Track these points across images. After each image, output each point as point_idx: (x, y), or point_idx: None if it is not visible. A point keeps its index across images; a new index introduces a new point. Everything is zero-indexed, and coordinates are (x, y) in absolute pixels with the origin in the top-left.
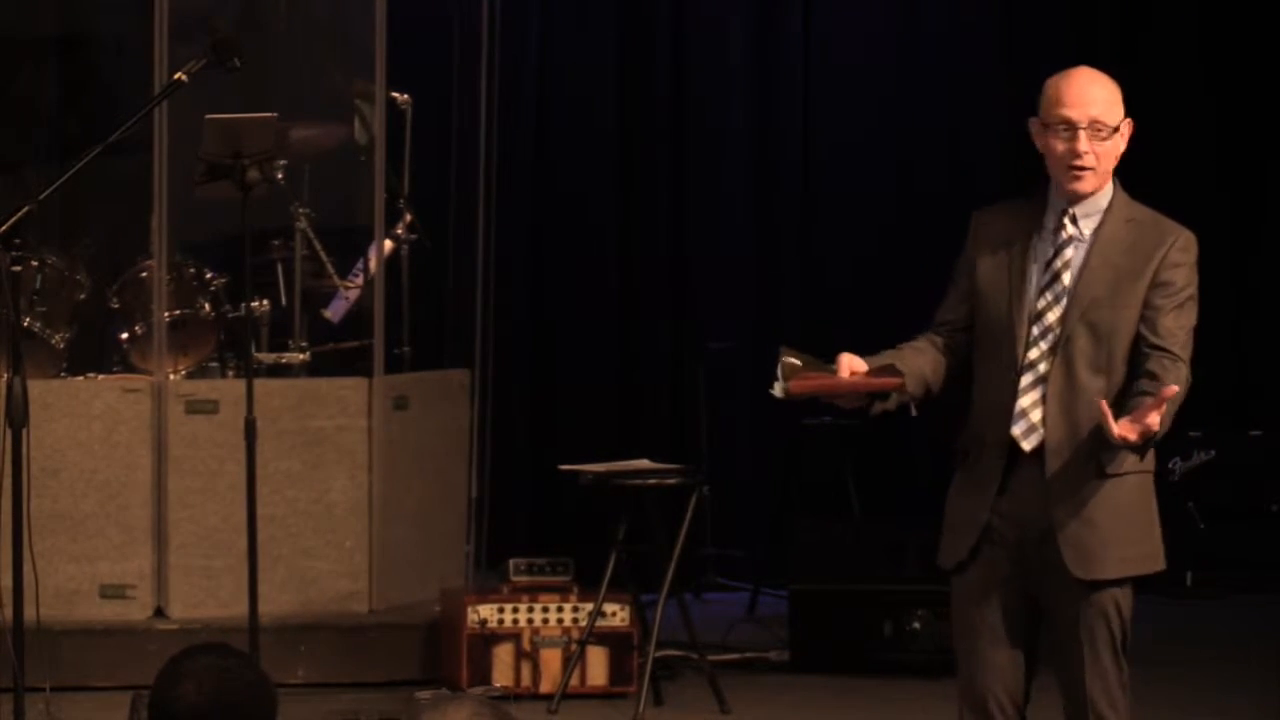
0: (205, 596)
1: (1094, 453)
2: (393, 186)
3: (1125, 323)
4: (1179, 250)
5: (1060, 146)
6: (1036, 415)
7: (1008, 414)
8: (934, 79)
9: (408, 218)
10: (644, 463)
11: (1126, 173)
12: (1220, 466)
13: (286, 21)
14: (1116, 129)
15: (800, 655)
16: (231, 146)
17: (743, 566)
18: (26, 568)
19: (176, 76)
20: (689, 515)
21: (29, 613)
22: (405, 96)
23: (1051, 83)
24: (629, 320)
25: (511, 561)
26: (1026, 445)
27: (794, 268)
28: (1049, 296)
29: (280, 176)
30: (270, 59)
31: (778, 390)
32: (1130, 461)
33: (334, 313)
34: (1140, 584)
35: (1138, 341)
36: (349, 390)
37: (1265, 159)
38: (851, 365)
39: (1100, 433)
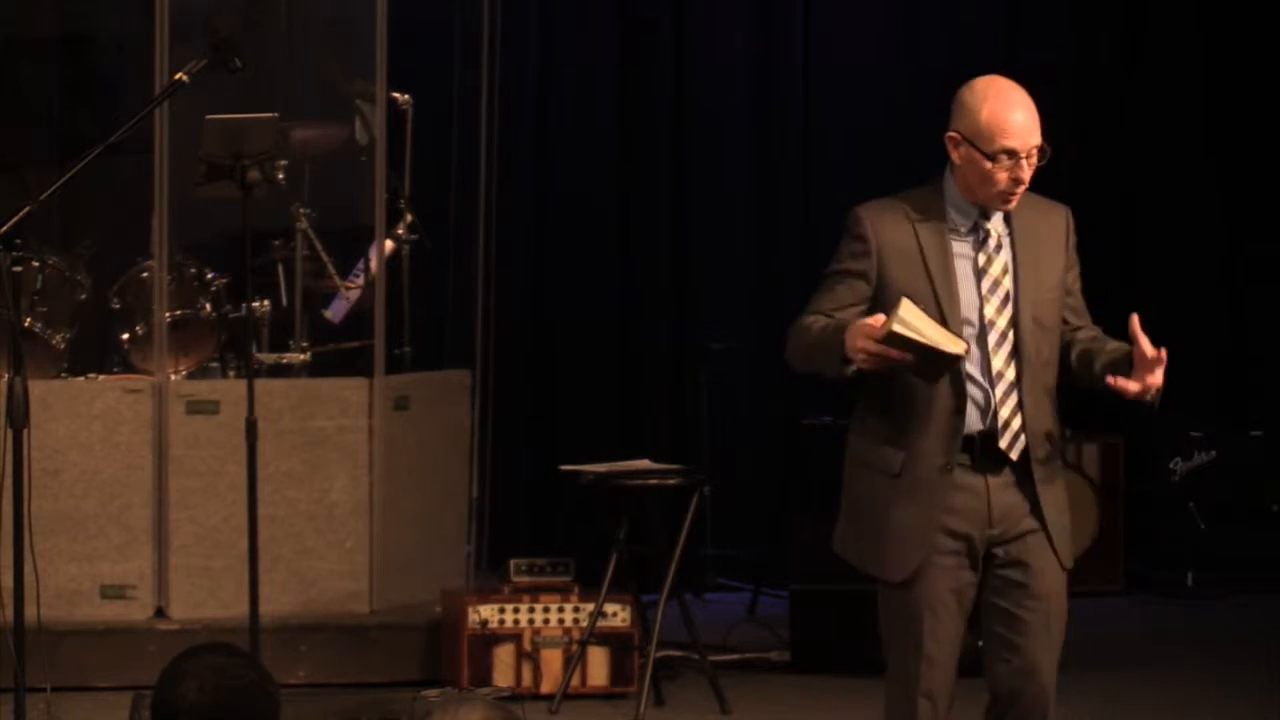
0: (206, 597)
1: (1053, 450)
2: (393, 187)
3: (1058, 314)
4: (1073, 228)
5: (1001, 175)
6: (1017, 423)
7: (956, 425)
8: (934, 79)
9: (408, 218)
10: (645, 463)
11: (1129, 173)
12: (1221, 466)
13: (287, 22)
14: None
15: (801, 656)
16: (232, 147)
17: (743, 567)
18: (27, 568)
19: (177, 77)
20: (690, 515)
21: (30, 613)
22: (406, 97)
23: (985, 108)
24: (629, 320)
25: (512, 562)
26: (1014, 454)
27: (794, 268)
28: (994, 302)
29: (281, 177)
30: (270, 59)
31: (895, 325)
32: (1060, 455)
33: (335, 313)
34: (1141, 584)
35: (1062, 325)
36: (350, 391)
37: (1268, 158)
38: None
39: (1055, 430)
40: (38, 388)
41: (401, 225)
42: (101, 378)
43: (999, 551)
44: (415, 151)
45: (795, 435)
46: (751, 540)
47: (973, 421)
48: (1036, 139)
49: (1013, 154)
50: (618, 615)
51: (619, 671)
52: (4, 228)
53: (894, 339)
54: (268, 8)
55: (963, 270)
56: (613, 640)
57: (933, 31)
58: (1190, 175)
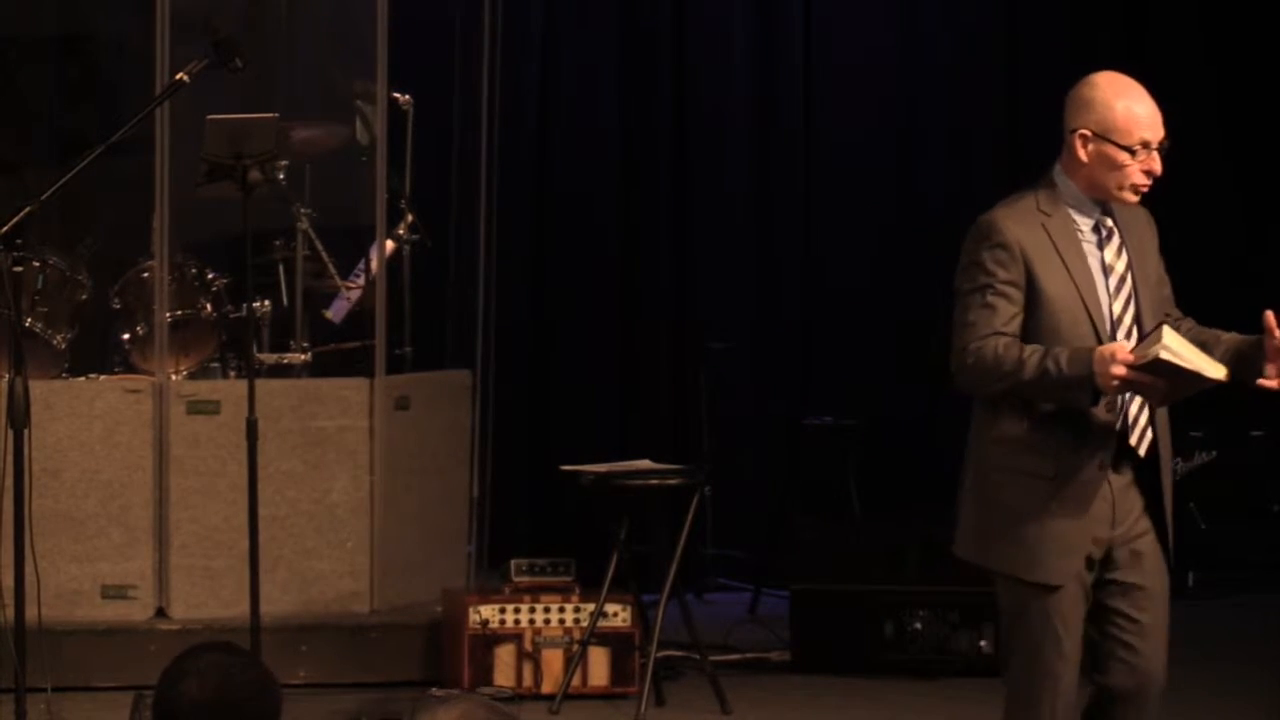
0: (207, 597)
1: (1168, 450)
2: (394, 187)
3: (1163, 308)
4: (1155, 225)
5: (1134, 166)
6: (1144, 419)
7: (1109, 424)
8: (934, 79)
9: (409, 218)
10: (645, 463)
11: None
12: (1221, 466)
13: (287, 22)
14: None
15: (801, 655)
16: (233, 147)
17: (744, 567)
18: (28, 568)
19: (178, 77)
20: (690, 515)
21: (30, 613)
22: (406, 97)
23: (1120, 103)
24: (629, 320)
25: (513, 562)
26: (1143, 451)
27: (794, 268)
28: (1120, 300)
29: (281, 177)
30: (271, 59)
31: (1184, 362)
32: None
33: (335, 313)
34: None
35: (1164, 317)
36: (350, 390)
37: (1272, 157)
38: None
39: (1169, 429)
40: (38, 388)
41: (401, 225)
42: (102, 378)
43: (1118, 554)
44: (415, 151)
45: (795, 435)
46: (751, 540)
47: (1104, 421)
48: (1162, 130)
49: (1148, 146)
50: (618, 615)
51: (619, 671)
52: (4, 228)
53: (1159, 366)
54: (268, 8)
55: (1093, 268)
56: (613, 640)
57: (933, 31)
58: (1192, 175)
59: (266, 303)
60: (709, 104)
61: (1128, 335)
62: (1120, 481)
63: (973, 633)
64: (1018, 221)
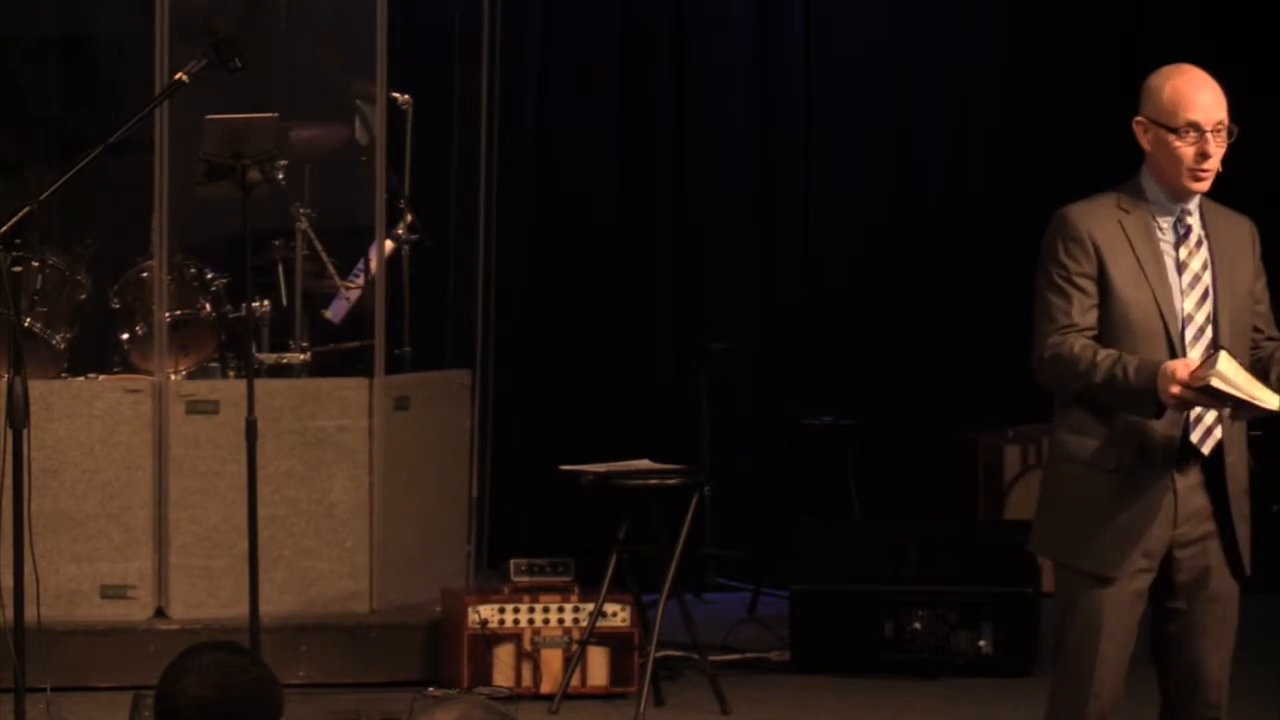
0: (206, 597)
1: (1241, 455)
2: (393, 187)
3: (1248, 316)
4: (1258, 238)
5: (1188, 150)
6: (1210, 418)
7: (1173, 420)
8: (934, 78)
9: (408, 218)
10: (645, 463)
11: (1130, 173)
12: None
13: (287, 21)
14: (1234, 131)
15: (801, 655)
16: (232, 147)
17: (743, 567)
18: (27, 568)
19: (177, 77)
20: (690, 515)
21: (30, 613)
22: (406, 97)
23: (1168, 85)
24: (629, 320)
25: (512, 562)
26: (1206, 449)
27: (794, 267)
28: (1194, 298)
29: (281, 177)
30: (270, 59)
31: (1242, 394)
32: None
33: (335, 313)
34: None
35: (1254, 333)
36: (350, 391)
37: (1270, 160)
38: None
39: (1240, 432)
40: (38, 388)
41: (402, 225)
42: (101, 378)
43: (1179, 554)
44: (415, 151)
45: (795, 435)
46: (751, 540)
47: (1171, 418)
48: (1221, 115)
49: (1197, 128)
50: (618, 615)
51: (619, 671)
52: (4, 228)
53: (1210, 391)
54: (268, 8)
55: (1168, 265)
56: (613, 640)
57: (933, 30)
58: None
59: (266, 303)
60: (709, 104)
61: (1199, 334)
62: (1185, 481)
63: (972, 633)
64: (1092, 215)
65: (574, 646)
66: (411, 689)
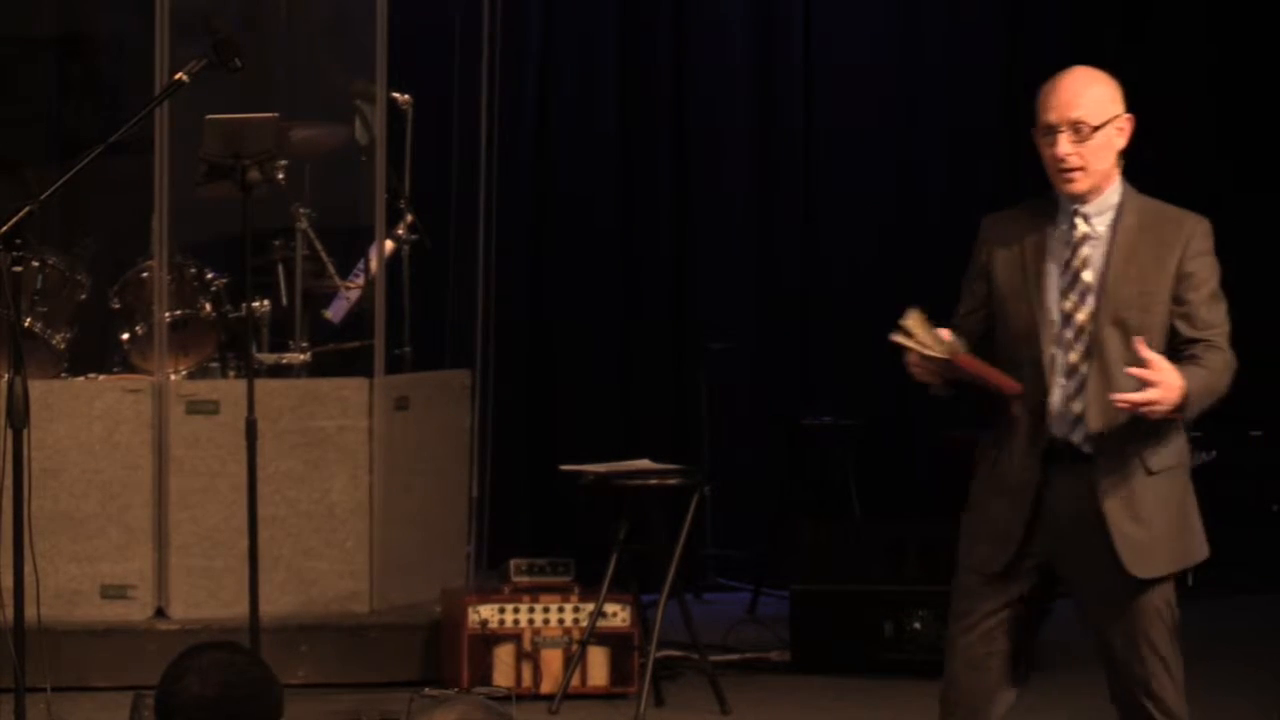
0: (206, 597)
1: (1138, 452)
2: (393, 187)
3: (1156, 321)
4: (1201, 239)
5: (1049, 152)
6: (1076, 410)
7: (1044, 417)
8: (934, 79)
9: (409, 218)
10: (645, 463)
11: (1130, 172)
12: (1221, 466)
13: (287, 21)
14: (1100, 127)
15: (801, 656)
16: (232, 147)
17: (743, 567)
18: (27, 568)
19: (177, 77)
20: (690, 515)
21: (30, 613)
22: (406, 97)
23: (1041, 89)
24: (629, 320)
25: (512, 562)
26: (1086, 448)
27: (794, 268)
28: (1074, 297)
29: (281, 177)
30: (270, 59)
31: (912, 342)
32: (1171, 457)
33: (335, 313)
34: None
35: (1173, 338)
36: (350, 391)
37: (1271, 160)
38: (958, 343)
39: (1143, 431)
40: (38, 388)
41: (402, 225)
42: (101, 378)
43: (1061, 551)
44: (415, 151)
45: (795, 435)
46: (751, 540)
47: (1036, 414)
48: (1077, 113)
49: (1052, 128)
50: (618, 615)
51: (619, 671)
52: (4, 228)
53: (901, 348)
54: (268, 8)
55: (1053, 265)
56: (613, 640)
57: (933, 31)
58: (1195, 176)
59: (266, 303)
60: (709, 104)
61: (1078, 334)
62: (1063, 479)
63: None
64: (999, 221)
65: (574, 646)
66: (411, 689)
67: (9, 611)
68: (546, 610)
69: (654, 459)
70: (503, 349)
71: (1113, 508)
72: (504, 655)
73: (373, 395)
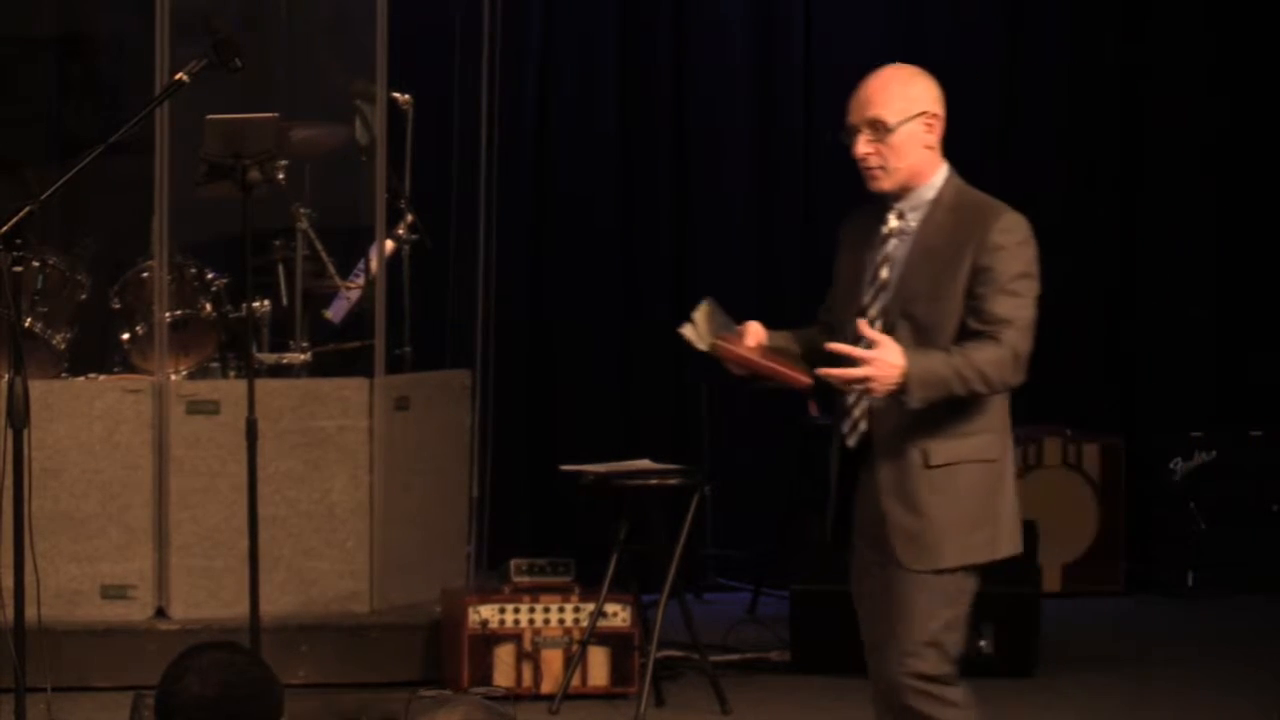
0: (206, 597)
1: (919, 445)
2: (394, 187)
3: (947, 315)
4: (999, 233)
5: (853, 151)
6: (858, 411)
7: (842, 413)
8: (935, 79)
9: (409, 218)
10: (645, 463)
11: (1131, 172)
12: (1221, 466)
13: (287, 21)
14: (899, 125)
15: (801, 656)
16: (232, 147)
17: (744, 567)
18: (28, 568)
19: (177, 77)
20: (690, 515)
21: (30, 613)
22: (406, 97)
23: None
24: (630, 320)
25: (513, 562)
26: (850, 442)
27: (794, 268)
28: (872, 292)
29: (281, 177)
30: (271, 59)
31: (690, 333)
32: (964, 451)
33: (335, 313)
34: (1141, 584)
35: (961, 331)
36: (350, 391)
37: (1272, 160)
38: (758, 335)
39: (923, 425)
40: (38, 388)
41: (402, 225)
42: (102, 378)
43: (860, 543)
44: (415, 151)
45: (795, 435)
46: (751, 540)
47: (848, 417)
48: (869, 112)
49: (850, 129)
50: (618, 615)
51: (619, 671)
52: (4, 228)
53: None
54: (268, 8)
55: (867, 261)
56: (613, 640)
57: (934, 31)
58: (1195, 176)
59: (266, 303)
60: (709, 104)
61: (870, 325)
62: (862, 473)
63: (972, 633)
64: (852, 219)
65: (574, 646)
66: (412, 689)
67: (9, 611)
68: (547, 610)
69: (654, 459)
70: (503, 349)
71: (889, 500)
72: (504, 655)
73: (373, 395)
